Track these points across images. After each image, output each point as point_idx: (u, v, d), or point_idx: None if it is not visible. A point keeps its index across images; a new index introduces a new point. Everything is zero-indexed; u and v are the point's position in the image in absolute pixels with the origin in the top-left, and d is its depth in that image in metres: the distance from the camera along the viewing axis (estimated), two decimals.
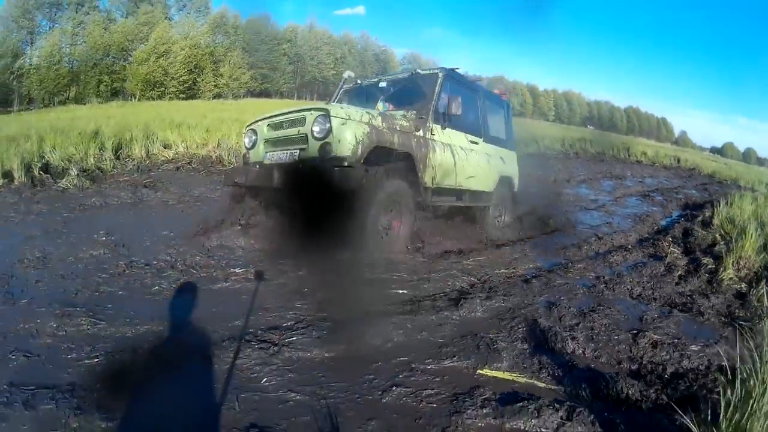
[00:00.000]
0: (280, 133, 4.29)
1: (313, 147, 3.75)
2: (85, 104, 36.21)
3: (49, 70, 40.19)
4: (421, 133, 4.39)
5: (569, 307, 3.13)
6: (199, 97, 43.00)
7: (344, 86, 5.81)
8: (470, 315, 2.94)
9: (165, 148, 9.17)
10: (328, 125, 3.64)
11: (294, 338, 2.47)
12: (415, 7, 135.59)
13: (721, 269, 4.40)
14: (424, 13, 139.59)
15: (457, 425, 1.81)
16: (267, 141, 4.44)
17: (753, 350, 1.84)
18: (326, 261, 3.65)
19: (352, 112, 3.82)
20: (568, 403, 1.99)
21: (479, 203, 5.52)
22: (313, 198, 3.63)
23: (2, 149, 7.40)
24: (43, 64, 40.36)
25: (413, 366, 2.24)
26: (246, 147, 4.69)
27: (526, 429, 1.83)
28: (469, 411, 1.89)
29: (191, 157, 8.73)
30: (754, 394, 1.61)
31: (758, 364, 1.75)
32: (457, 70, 5.38)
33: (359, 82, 5.75)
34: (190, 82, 44.44)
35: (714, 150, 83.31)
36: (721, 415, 1.61)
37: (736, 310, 3.57)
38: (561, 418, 1.88)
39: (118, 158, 8.33)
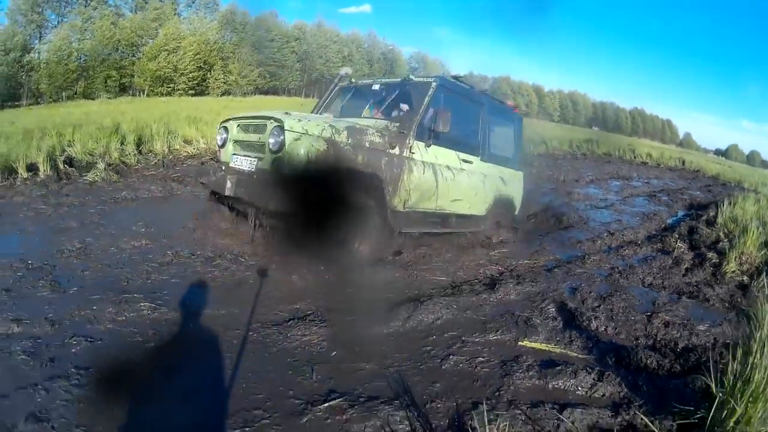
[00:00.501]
0: (246, 136, 4.08)
1: (268, 159, 3.54)
2: (94, 99, 36.40)
3: (59, 64, 40.04)
4: (396, 150, 3.96)
5: (590, 292, 3.49)
6: (208, 93, 43.24)
7: (339, 83, 5.35)
8: (506, 297, 3.30)
9: (186, 143, 9.40)
10: (281, 138, 3.38)
11: (352, 317, 2.78)
12: (422, 6, 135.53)
13: (725, 263, 4.72)
14: (431, 12, 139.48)
15: (509, 385, 2.15)
16: (236, 142, 4.21)
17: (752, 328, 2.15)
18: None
19: (311, 125, 3.49)
20: (598, 368, 2.32)
21: (469, 229, 5.02)
22: (262, 211, 3.59)
23: (23, 143, 7.48)
24: (52, 58, 40.25)
25: (463, 339, 2.58)
26: (218, 144, 4.49)
27: (566, 388, 2.17)
28: (517, 374, 2.24)
29: (214, 153, 8.93)
30: (753, 351, 1.91)
31: (755, 332, 2.06)
32: (459, 79, 5.03)
33: (353, 81, 5.33)
34: (199, 79, 44.54)
35: (718, 152, 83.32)
36: (729, 369, 1.89)
37: (739, 299, 3.92)
38: (593, 379, 2.23)
39: (140, 153, 8.47)
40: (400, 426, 1.83)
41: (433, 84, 4.28)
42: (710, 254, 5.10)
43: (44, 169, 6.80)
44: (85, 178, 6.74)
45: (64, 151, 7.72)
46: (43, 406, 1.77)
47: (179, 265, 3.50)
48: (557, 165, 13.14)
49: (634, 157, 20.03)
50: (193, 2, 50.12)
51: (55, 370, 1.99)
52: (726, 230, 6.06)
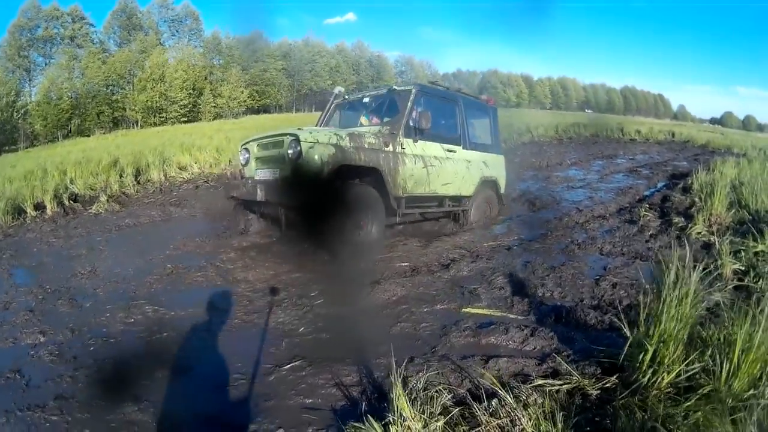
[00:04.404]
0: (266, 153, 4.87)
1: (287, 167, 4.31)
2: (89, 136, 36.87)
3: (50, 105, 40.72)
4: (390, 148, 4.76)
5: (542, 263, 3.79)
6: (200, 119, 43.68)
7: (335, 101, 6.25)
8: (458, 274, 3.64)
9: (181, 170, 9.87)
10: (298, 149, 4.11)
11: (320, 300, 3.19)
12: (405, 9, 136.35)
13: (691, 225, 4.86)
14: (415, 13, 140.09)
15: (445, 343, 2.50)
16: (257, 159, 5.01)
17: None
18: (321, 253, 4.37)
19: (321, 135, 4.27)
20: (533, 326, 2.63)
21: (460, 207, 5.84)
22: (290, 208, 4.46)
23: (27, 184, 8.04)
24: (43, 100, 40.95)
25: (412, 310, 2.95)
26: (241, 164, 5.35)
27: (497, 343, 2.48)
28: (453, 333, 2.58)
29: (207, 177, 9.40)
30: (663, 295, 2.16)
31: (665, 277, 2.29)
32: (436, 83, 5.89)
33: (347, 97, 6.22)
34: (190, 105, 45.04)
35: (714, 121, 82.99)
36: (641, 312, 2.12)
37: (701, 258, 3.92)
38: (525, 335, 2.51)
39: (138, 183, 8.98)
40: (347, 378, 2.22)
41: (413, 90, 5.11)
42: (677, 219, 5.23)
43: (51, 207, 7.34)
44: (90, 210, 7.26)
45: (67, 188, 8.21)
46: (68, 389, 2.25)
47: (176, 275, 4.04)
48: (541, 152, 13.45)
49: (623, 135, 20.24)
50: (177, 31, 50.93)
51: (77, 364, 2.48)
52: (700, 196, 6.01)
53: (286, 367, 2.37)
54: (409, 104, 5.00)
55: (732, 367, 1.87)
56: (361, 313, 3.03)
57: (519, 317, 2.83)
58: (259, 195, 4.39)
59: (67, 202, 7.64)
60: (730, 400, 1.77)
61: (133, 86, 43.94)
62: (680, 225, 5.09)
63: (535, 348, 2.42)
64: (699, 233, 4.78)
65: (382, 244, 4.72)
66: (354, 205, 4.46)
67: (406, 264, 4.01)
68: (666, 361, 1.95)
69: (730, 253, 3.74)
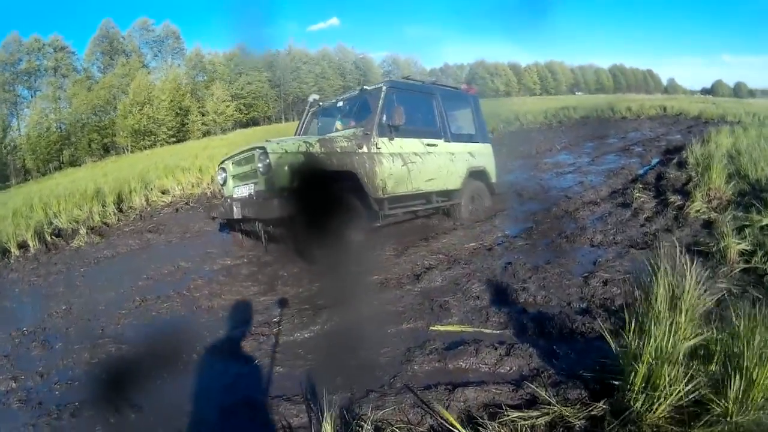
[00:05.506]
0: (241, 169, 4.76)
1: (261, 181, 4.21)
2: (80, 166, 36.87)
3: (39, 138, 40.76)
4: (365, 149, 4.59)
5: (524, 264, 3.48)
6: (189, 137, 43.47)
7: (311, 109, 6.11)
8: (429, 285, 3.33)
9: (163, 194, 9.67)
10: (267, 161, 4.02)
11: (282, 327, 3.00)
12: (387, 9, 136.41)
13: (688, 204, 4.58)
14: (398, 13, 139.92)
15: (407, 370, 2.20)
16: (234, 176, 4.92)
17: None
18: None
19: (289, 145, 4.15)
20: (510, 342, 2.33)
21: (450, 201, 5.58)
22: (267, 222, 4.34)
23: (13, 222, 7.88)
24: (32, 133, 40.99)
25: (376, 332, 2.67)
26: (219, 183, 5.23)
27: (467, 366, 2.20)
28: (417, 358, 2.29)
29: (188, 198, 9.21)
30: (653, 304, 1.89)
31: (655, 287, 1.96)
32: (408, 78, 5.75)
33: (321, 104, 6.07)
34: (178, 125, 44.96)
35: (705, 91, 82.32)
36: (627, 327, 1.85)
37: (702, 238, 3.75)
38: (500, 354, 2.23)
39: (120, 211, 8.80)
40: (296, 419, 1.99)
41: (384, 88, 4.95)
42: (674, 198, 4.99)
43: (33, 244, 7.19)
44: (71, 245, 7.12)
45: (51, 223, 8.07)
46: None
47: (144, 308, 3.96)
48: (530, 138, 13.11)
49: (613, 114, 19.86)
50: (160, 51, 50.91)
51: (41, 410, 2.47)
52: (697, 170, 5.79)
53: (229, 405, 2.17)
54: (380, 102, 4.84)
55: (745, 379, 1.58)
56: (321, 340, 2.74)
57: (494, 332, 2.54)
58: (236, 213, 4.29)
59: (49, 238, 7.48)
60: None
61: (118, 112, 43.89)
62: (677, 204, 4.85)
63: (510, 370, 2.16)
64: (698, 211, 4.52)
65: (363, 252, 4.46)
66: (331, 212, 4.30)
67: (376, 277, 3.72)
68: (661, 382, 1.66)
69: (733, 232, 3.46)
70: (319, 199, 4.17)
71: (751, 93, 77.24)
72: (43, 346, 3.40)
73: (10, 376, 2.93)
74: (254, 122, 48.91)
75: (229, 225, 5.21)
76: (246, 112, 49.59)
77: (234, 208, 4.31)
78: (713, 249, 3.43)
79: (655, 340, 1.72)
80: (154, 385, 2.57)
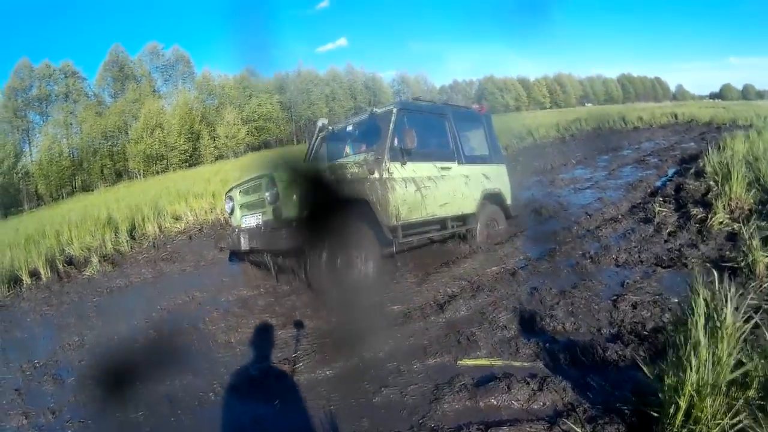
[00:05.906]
0: (248, 198, 4.62)
1: (269, 210, 4.08)
2: (92, 191, 37.28)
3: (51, 163, 41.24)
4: (376, 174, 4.39)
5: (551, 289, 3.36)
6: (202, 161, 43.68)
7: (320, 134, 5.87)
8: (454, 315, 3.20)
9: (176, 220, 9.64)
10: (275, 190, 3.91)
11: (300, 364, 2.88)
12: (395, 26, 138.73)
13: (710, 215, 4.45)
14: (405, 30, 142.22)
15: (436, 410, 2.09)
16: (242, 205, 4.77)
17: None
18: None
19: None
20: (542, 375, 2.21)
21: (465, 226, 5.38)
22: (276, 254, 4.21)
23: (25, 249, 7.90)
24: (44, 159, 41.49)
25: (400, 368, 2.54)
26: (227, 212, 5.08)
27: (498, 404, 2.08)
28: (446, 396, 2.17)
29: (201, 225, 9.16)
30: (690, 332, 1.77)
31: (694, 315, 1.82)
32: (419, 99, 5.55)
33: (331, 128, 5.81)
34: (190, 150, 45.21)
35: (713, 95, 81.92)
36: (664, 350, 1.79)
37: (728, 252, 3.62)
38: (532, 389, 2.12)
39: (133, 238, 8.77)
40: None
41: (394, 110, 4.74)
42: (695, 210, 4.85)
43: (45, 273, 7.21)
44: (84, 273, 7.10)
45: (63, 250, 8.10)
46: None
47: (158, 342, 3.91)
48: (544, 153, 12.99)
49: (625, 125, 19.69)
50: (170, 76, 51.83)
51: None
52: (715, 179, 5.55)
53: None
54: (391, 126, 4.63)
55: None
56: (344, 378, 2.62)
57: (525, 364, 2.42)
58: (243, 244, 4.11)
59: (61, 267, 7.48)
60: None
61: (130, 137, 44.39)
62: (699, 216, 4.70)
63: (544, 405, 2.06)
64: (721, 223, 4.39)
65: (379, 281, 4.33)
66: (342, 242, 4.09)
67: (398, 308, 3.60)
68: (703, 415, 1.59)
69: (760, 244, 3.30)
70: (329, 229, 4.00)
71: (760, 95, 76.48)
72: (55, 381, 3.34)
73: (21, 412, 2.89)
74: (266, 145, 49.19)
75: (237, 256, 5.00)
76: (258, 134, 49.93)
77: (242, 239, 4.14)
78: (741, 263, 3.30)
79: (697, 372, 1.63)
80: (170, 425, 2.49)
